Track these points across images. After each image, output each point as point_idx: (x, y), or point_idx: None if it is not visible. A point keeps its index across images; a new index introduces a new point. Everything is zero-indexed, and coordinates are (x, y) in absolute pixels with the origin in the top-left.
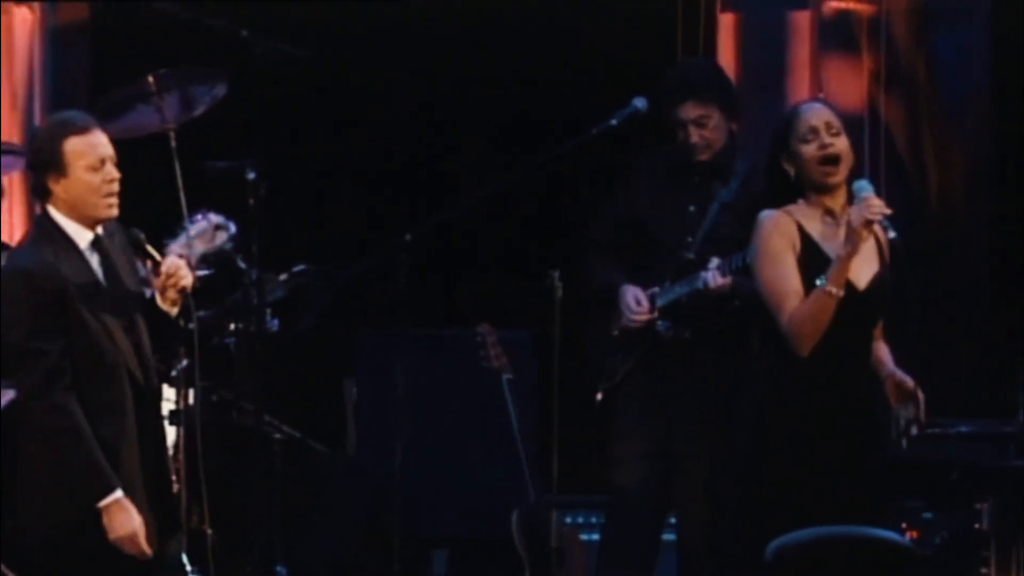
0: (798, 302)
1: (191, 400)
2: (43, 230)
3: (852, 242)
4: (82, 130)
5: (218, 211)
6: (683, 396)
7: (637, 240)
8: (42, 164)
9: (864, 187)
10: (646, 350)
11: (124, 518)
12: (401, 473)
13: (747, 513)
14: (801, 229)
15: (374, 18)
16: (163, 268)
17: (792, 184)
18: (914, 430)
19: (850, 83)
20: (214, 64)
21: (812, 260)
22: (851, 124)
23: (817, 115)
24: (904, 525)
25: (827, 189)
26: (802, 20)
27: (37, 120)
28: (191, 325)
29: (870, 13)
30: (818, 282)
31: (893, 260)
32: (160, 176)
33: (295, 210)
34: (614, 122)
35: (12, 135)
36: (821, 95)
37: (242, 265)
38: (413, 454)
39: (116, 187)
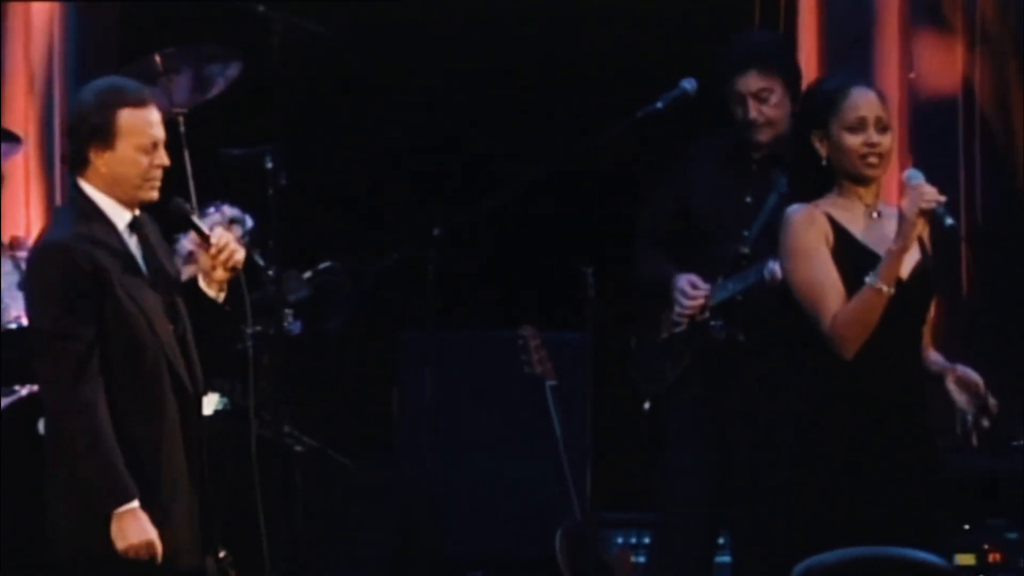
0: (839, 299)
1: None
2: (78, 206)
3: (904, 234)
4: (139, 103)
5: (233, 203)
6: (738, 403)
7: (688, 233)
8: (86, 132)
9: (915, 175)
10: (698, 353)
11: (137, 528)
12: (434, 487)
13: (789, 531)
14: (832, 221)
15: None
16: (212, 241)
17: (821, 166)
18: (985, 423)
19: (943, 62)
20: (242, 44)
21: (847, 253)
22: (943, 106)
23: (869, 105)
24: (986, 546)
25: (863, 181)
26: None
27: (57, 104)
28: (246, 312)
29: None
30: (867, 279)
31: (949, 249)
32: (169, 165)
33: (318, 202)
34: (660, 105)
35: (29, 121)
36: (912, 75)
37: (260, 262)
38: (449, 466)
39: (160, 173)
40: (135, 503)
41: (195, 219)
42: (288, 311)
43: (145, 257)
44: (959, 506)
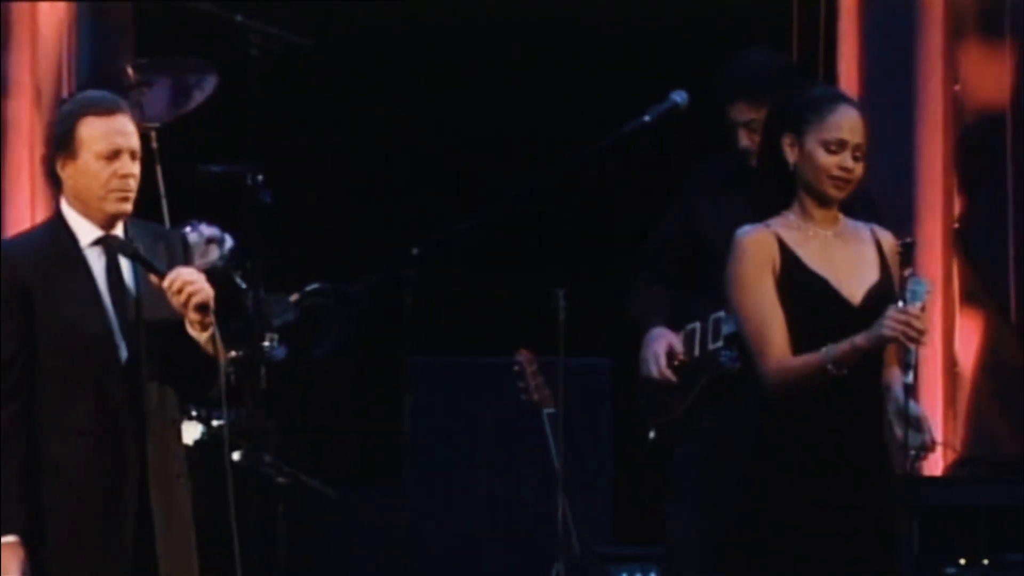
0: (782, 338)
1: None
2: (46, 222)
3: (871, 343)
4: (103, 112)
5: (212, 222)
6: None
7: (695, 259)
8: (54, 144)
9: (919, 293)
10: (706, 385)
11: (6, 564)
12: (424, 520)
13: (735, 567)
14: (782, 244)
15: (389, 3)
16: (166, 284)
17: (787, 173)
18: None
19: (990, 72)
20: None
21: (794, 276)
22: (991, 119)
23: (853, 130)
24: None
25: (825, 202)
26: (934, 1)
27: None
28: (220, 356)
29: None
30: (823, 350)
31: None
32: (141, 182)
33: (303, 220)
34: (648, 118)
35: (35, 138)
36: (957, 87)
37: (241, 284)
38: (441, 498)
39: (130, 183)
40: (12, 537)
41: (143, 255)
42: (272, 335)
43: (109, 277)
44: (979, 540)
